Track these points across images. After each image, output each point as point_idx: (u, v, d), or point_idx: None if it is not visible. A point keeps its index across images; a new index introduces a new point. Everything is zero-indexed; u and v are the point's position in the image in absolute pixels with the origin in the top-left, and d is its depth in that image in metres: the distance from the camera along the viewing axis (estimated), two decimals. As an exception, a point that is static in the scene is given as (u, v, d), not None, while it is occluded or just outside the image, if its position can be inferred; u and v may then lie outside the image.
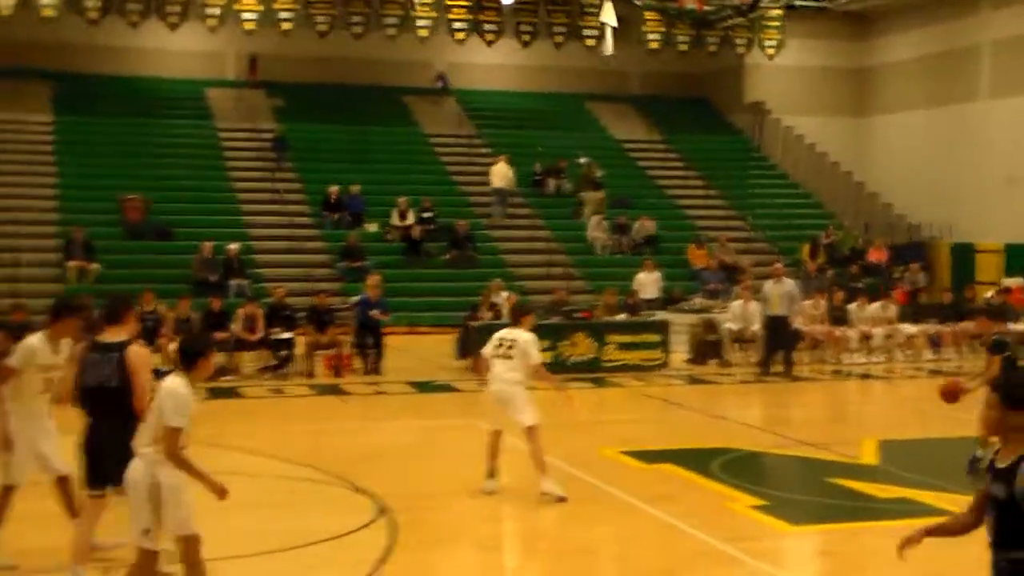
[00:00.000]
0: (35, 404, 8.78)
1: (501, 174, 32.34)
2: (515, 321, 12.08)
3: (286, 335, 20.05)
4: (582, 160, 33.46)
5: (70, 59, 34.14)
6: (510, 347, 11.56)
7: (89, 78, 34.29)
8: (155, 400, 7.09)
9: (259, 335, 19.89)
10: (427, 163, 34.37)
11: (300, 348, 20.14)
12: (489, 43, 35.37)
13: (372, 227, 30.59)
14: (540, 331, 20.52)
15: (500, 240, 31.21)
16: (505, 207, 32.30)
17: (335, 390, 18.52)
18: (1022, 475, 4.93)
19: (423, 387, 19.08)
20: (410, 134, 35.74)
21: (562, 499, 10.93)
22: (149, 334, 18.11)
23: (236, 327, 19.91)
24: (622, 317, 22.51)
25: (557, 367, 20.11)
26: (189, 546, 7.03)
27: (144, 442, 7.01)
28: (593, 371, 20.38)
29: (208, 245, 26.50)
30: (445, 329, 24.47)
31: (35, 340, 8.73)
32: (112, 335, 8.22)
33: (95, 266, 26.14)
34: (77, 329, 9.06)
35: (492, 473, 11.42)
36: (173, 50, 35.58)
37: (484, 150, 34.98)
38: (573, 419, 14.53)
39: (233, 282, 25.86)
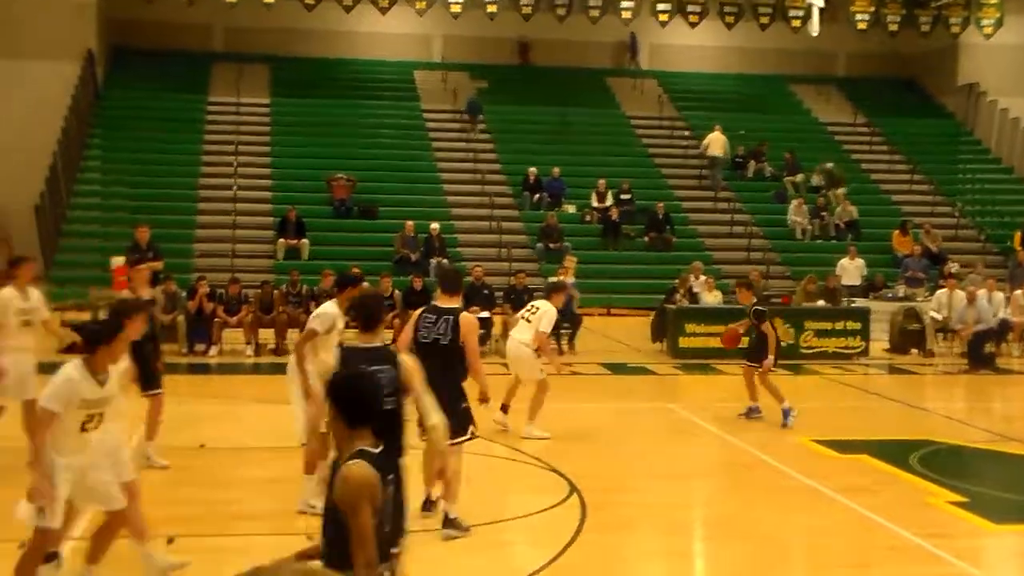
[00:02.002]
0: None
1: (717, 142, 32.28)
2: (547, 296, 14.08)
3: (484, 314, 20.40)
4: (828, 165, 32.83)
5: (287, 43, 35.63)
6: (532, 313, 13.55)
7: (304, 61, 35.69)
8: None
9: None
10: (627, 145, 34.44)
11: (497, 327, 20.52)
12: (692, 24, 35.17)
13: (571, 208, 30.86)
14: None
15: (698, 223, 31.06)
16: (721, 176, 32.26)
17: (531, 369, 18.81)
18: None
19: (617, 369, 19.22)
20: (611, 116, 35.86)
21: (544, 438, 12.75)
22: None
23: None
24: (821, 303, 22.17)
25: (753, 352, 20.07)
26: None
27: None
28: (790, 358, 20.10)
29: (410, 224, 27.19)
30: (641, 311, 24.57)
31: (332, 307, 10.09)
32: (445, 302, 9.62)
33: (304, 241, 27.20)
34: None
35: (505, 409, 13.33)
36: (383, 33, 36.67)
37: (685, 132, 34.83)
38: (769, 405, 14.48)
39: (433, 260, 26.47)
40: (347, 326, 10.01)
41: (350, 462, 4.81)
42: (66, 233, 28.37)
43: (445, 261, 26.52)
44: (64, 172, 29.48)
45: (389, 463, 4.97)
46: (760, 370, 14.54)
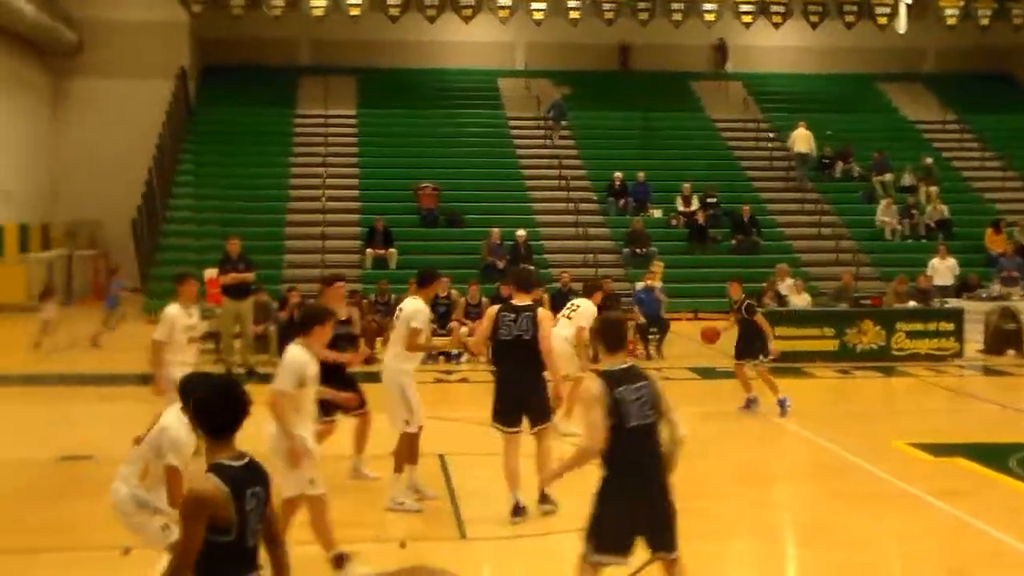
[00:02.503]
0: (418, 359, 10.86)
1: (803, 138, 32.06)
2: (587, 294, 14.19)
3: (571, 320, 20.42)
4: (928, 160, 32.39)
5: (373, 54, 36.06)
6: (573, 311, 13.77)
7: (389, 72, 36.09)
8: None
9: None
10: (712, 148, 34.27)
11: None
12: (776, 25, 34.89)
13: (656, 213, 30.80)
14: (827, 318, 20.30)
15: (785, 226, 30.79)
16: (807, 173, 32.02)
17: (619, 375, 18.80)
18: None
19: (706, 373, 19.15)
20: (696, 119, 35.72)
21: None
22: (442, 319, 18.99)
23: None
24: (912, 304, 21.86)
25: (844, 355, 19.89)
26: None
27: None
28: (881, 359, 19.92)
29: (496, 231, 27.33)
30: (729, 315, 24.38)
31: (421, 303, 10.48)
32: (521, 300, 10.10)
33: (392, 251, 27.48)
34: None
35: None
36: (467, 41, 36.97)
37: (770, 134, 34.56)
38: (861, 408, 14.36)
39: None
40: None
41: (202, 475, 4.82)
42: (161, 247, 29.02)
43: (532, 268, 26.61)
44: (159, 187, 30.18)
45: (255, 476, 4.89)
46: (764, 362, 15.23)
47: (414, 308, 10.42)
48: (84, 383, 17.88)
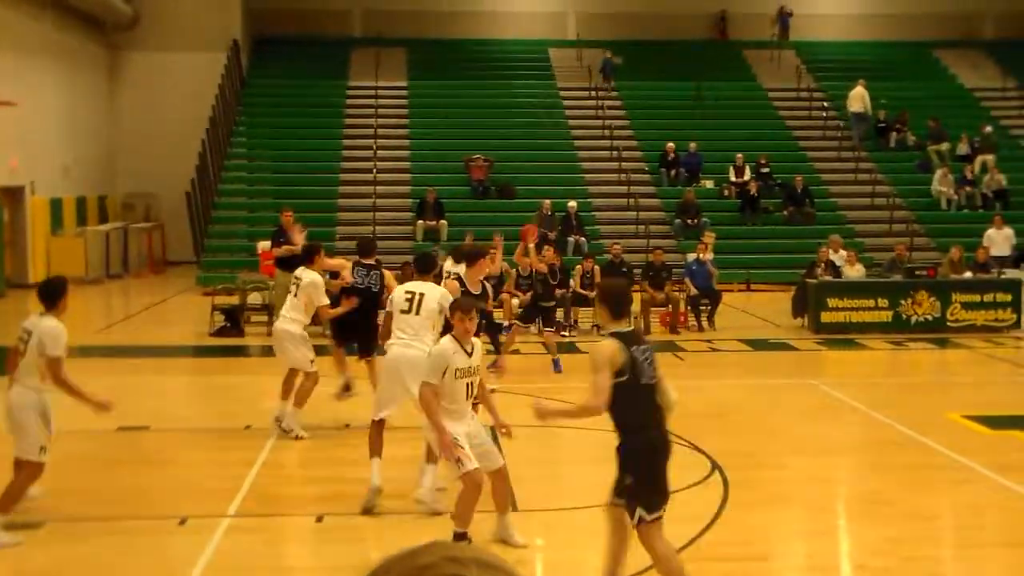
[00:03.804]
0: None
1: (858, 97, 31.73)
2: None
3: (622, 291, 20.38)
4: (987, 129, 31.95)
5: (423, 25, 36.08)
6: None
7: (440, 43, 36.06)
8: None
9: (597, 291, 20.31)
10: (765, 118, 33.96)
11: (636, 304, 20.48)
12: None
13: (708, 184, 30.61)
14: (881, 289, 20.13)
15: (839, 196, 30.50)
16: (863, 133, 31.69)
17: (670, 347, 18.75)
18: None
19: (758, 345, 19.05)
20: (748, 88, 35.41)
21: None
22: (493, 291, 18.98)
23: (574, 283, 20.51)
24: (968, 275, 21.59)
25: (898, 326, 19.71)
26: None
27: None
28: (937, 331, 19.70)
29: (547, 203, 27.27)
30: (781, 286, 24.30)
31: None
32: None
33: (443, 222, 27.54)
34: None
35: None
36: (517, 12, 36.86)
37: (824, 103, 34.18)
38: (916, 380, 14.23)
39: (571, 238, 26.57)
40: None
41: None
42: (215, 219, 29.28)
43: (583, 239, 26.61)
44: (212, 159, 30.42)
45: None
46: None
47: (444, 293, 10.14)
48: (140, 355, 18.12)
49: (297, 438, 11.84)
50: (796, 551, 9.20)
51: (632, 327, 7.09)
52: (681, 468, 10.68)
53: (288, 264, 18.93)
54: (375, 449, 9.50)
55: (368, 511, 9.16)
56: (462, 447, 8.06)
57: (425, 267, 10.61)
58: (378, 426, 9.65)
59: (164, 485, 10.38)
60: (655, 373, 6.88)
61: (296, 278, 12.35)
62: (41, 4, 28.85)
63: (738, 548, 8.75)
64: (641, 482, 6.82)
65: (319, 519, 9.10)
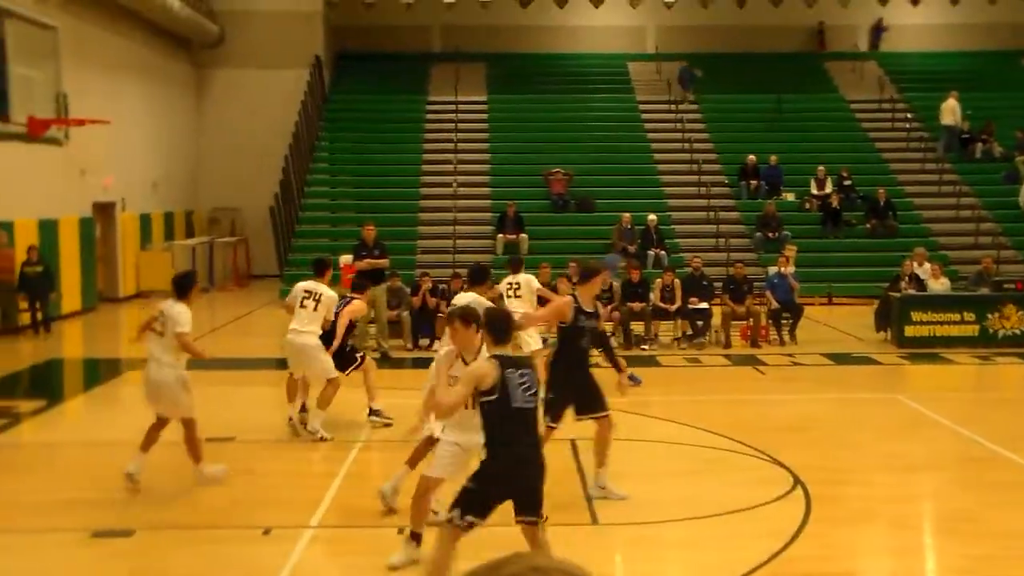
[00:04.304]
0: None
1: (951, 110, 31.31)
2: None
3: (703, 305, 20.33)
4: None
5: (502, 40, 36.29)
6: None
7: (519, 57, 36.26)
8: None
9: (676, 305, 20.26)
10: (847, 130, 33.60)
11: (716, 318, 20.41)
12: (914, 2, 34.01)
13: (789, 196, 30.36)
14: (967, 303, 19.80)
15: (923, 208, 30.05)
16: (950, 145, 31.24)
17: (751, 360, 18.66)
18: None
19: (840, 359, 18.85)
20: (829, 100, 35.07)
21: None
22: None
23: (654, 296, 20.46)
24: (1058, 289, 21.14)
25: (985, 340, 19.38)
26: None
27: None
28: (1024, 346, 19.35)
29: (627, 216, 27.25)
30: (864, 300, 24.02)
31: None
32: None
33: (523, 236, 27.64)
34: None
35: None
36: (596, 26, 36.90)
37: (907, 115, 33.74)
38: (1004, 395, 13.98)
39: (651, 252, 26.50)
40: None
41: None
42: (298, 233, 29.68)
43: (662, 253, 26.53)
44: (295, 174, 30.86)
45: None
46: None
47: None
48: (225, 367, 18.41)
49: (322, 439, 12.36)
50: (879, 568, 9.09)
51: (513, 353, 7.52)
52: (763, 482, 10.67)
53: (370, 278, 19.19)
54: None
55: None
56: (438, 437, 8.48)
57: (479, 278, 10.90)
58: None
59: (248, 495, 10.55)
60: (533, 399, 7.16)
61: (315, 293, 12.85)
62: (132, 24, 29.52)
63: (820, 564, 8.68)
64: (474, 491, 7.13)
65: (400, 531, 9.19)
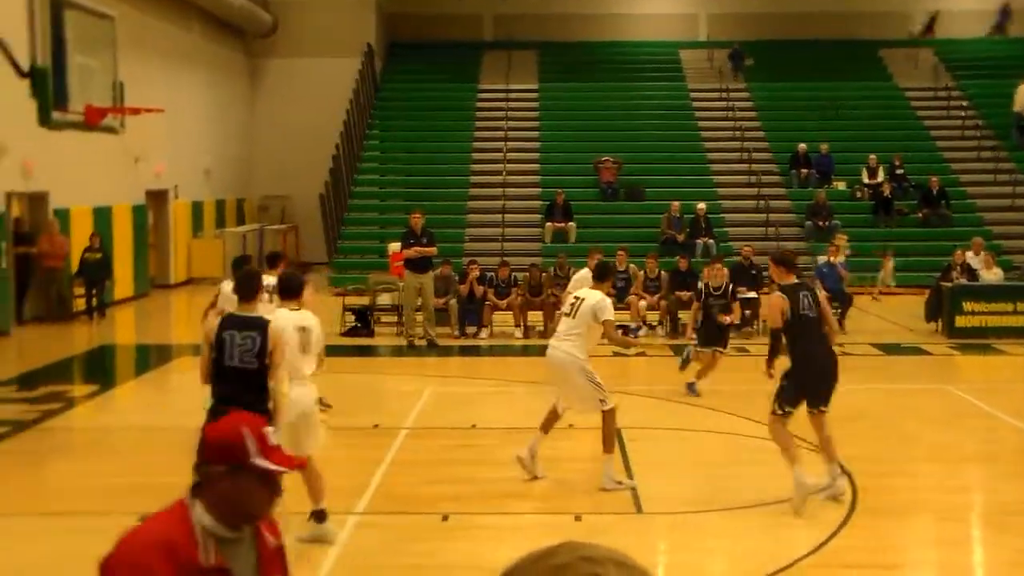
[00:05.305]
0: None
1: (1020, 96, 30.97)
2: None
3: (751, 294, 20.22)
4: None
5: (553, 29, 36.26)
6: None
7: (570, 45, 36.20)
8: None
9: (732, 318, 20.03)
10: (900, 118, 33.22)
11: (764, 308, 20.27)
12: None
13: (840, 185, 30.10)
14: (1019, 293, 19.56)
15: (976, 197, 29.67)
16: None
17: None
18: None
19: (890, 349, 18.71)
20: (883, 88, 34.70)
21: None
22: (621, 293, 19.05)
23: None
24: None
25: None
26: None
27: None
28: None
29: (676, 204, 27.13)
30: (915, 290, 23.79)
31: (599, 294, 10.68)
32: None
33: (572, 224, 27.63)
34: None
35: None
36: (648, 14, 36.76)
37: (963, 103, 33.29)
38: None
39: (700, 241, 26.39)
40: None
41: None
42: (347, 221, 29.86)
43: (711, 241, 26.40)
44: (346, 162, 31.03)
45: None
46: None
47: (602, 298, 10.28)
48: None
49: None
50: (926, 560, 9.04)
51: (251, 314, 8.13)
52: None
53: (418, 266, 19.30)
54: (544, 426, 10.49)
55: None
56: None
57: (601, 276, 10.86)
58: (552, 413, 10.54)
59: (296, 481, 10.64)
60: (252, 360, 7.83)
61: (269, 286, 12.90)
62: (188, 14, 29.81)
63: (866, 555, 8.65)
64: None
65: (445, 518, 9.26)
